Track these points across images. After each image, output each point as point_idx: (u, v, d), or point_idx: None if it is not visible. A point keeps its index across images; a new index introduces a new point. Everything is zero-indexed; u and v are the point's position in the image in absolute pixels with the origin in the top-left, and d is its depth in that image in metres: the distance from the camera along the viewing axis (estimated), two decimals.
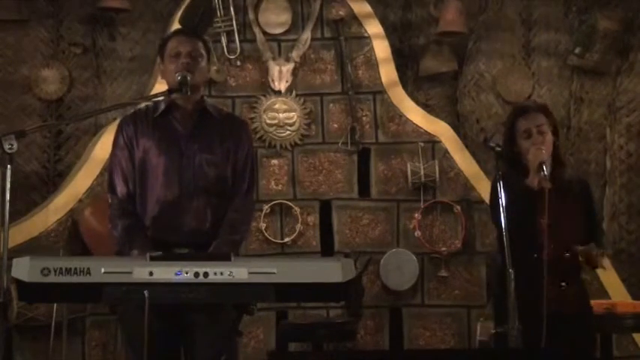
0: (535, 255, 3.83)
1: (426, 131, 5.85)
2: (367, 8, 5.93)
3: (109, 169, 3.82)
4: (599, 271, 5.67)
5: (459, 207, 5.74)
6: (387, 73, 5.88)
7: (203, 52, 3.76)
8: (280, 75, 5.78)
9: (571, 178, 4.21)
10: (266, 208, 5.67)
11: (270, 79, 5.79)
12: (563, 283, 3.88)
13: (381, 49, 5.90)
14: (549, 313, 3.74)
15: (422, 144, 5.78)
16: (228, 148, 3.73)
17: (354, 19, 5.90)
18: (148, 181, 3.67)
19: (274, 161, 5.80)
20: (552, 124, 4.13)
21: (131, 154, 3.70)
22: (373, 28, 5.91)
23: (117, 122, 3.95)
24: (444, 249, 5.74)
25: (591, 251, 3.99)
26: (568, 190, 4.08)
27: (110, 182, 3.75)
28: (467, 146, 5.94)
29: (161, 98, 3.72)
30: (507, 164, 4.15)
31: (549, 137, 4.08)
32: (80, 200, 5.49)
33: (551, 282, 3.83)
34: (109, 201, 3.74)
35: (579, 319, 4.00)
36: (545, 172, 3.92)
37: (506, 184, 3.81)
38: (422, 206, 5.74)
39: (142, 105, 3.87)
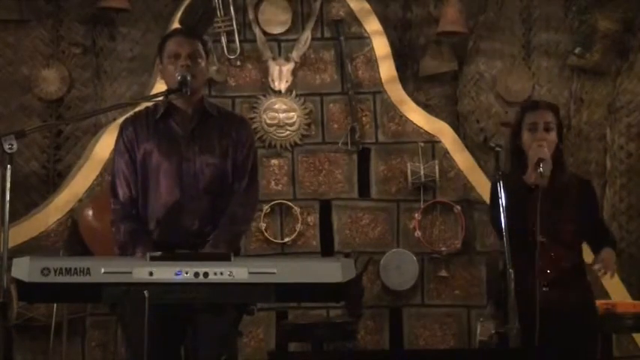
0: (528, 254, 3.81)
1: (426, 131, 5.85)
2: (367, 7, 5.93)
3: (111, 173, 3.82)
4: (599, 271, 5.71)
5: (459, 207, 5.74)
6: (387, 70, 5.88)
7: (202, 52, 3.75)
8: (280, 75, 5.78)
9: (571, 180, 4.18)
10: (266, 208, 5.67)
11: (270, 79, 5.79)
12: (545, 288, 3.85)
13: (381, 46, 5.90)
14: (546, 312, 3.74)
15: (422, 144, 5.78)
16: (227, 146, 3.73)
17: (354, 19, 5.90)
18: (149, 183, 3.67)
19: (274, 161, 5.80)
20: (559, 126, 4.13)
21: (132, 158, 3.70)
22: (372, 26, 5.91)
23: (117, 122, 3.96)
24: (444, 249, 5.73)
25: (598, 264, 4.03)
26: (566, 192, 4.06)
27: (112, 186, 3.75)
28: (467, 146, 5.94)
29: (160, 99, 3.71)
30: (510, 160, 4.15)
31: (553, 136, 4.07)
32: (80, 200, 5.49)
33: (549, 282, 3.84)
34: (112, 206, 3.74)
35: (579, 321, 4.00)
36: (542, 170, 3.91)
37: (506, 183, 3.80)
38: (422, 206, 5.74)
39: (142, 107, 3.86)
